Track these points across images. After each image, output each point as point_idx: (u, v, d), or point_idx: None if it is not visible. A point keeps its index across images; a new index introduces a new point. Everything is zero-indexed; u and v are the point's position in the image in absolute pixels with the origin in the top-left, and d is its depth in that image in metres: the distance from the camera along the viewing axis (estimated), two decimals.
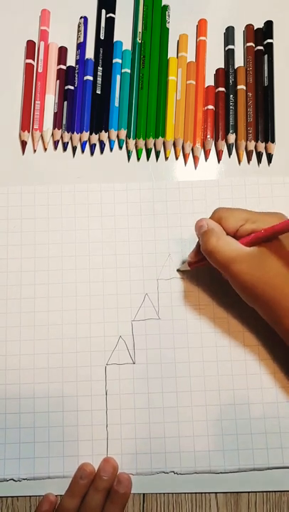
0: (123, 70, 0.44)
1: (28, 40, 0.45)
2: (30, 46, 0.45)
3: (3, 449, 0.37)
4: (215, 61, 0.45)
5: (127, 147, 0.44)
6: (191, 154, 0.43)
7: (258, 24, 0.46)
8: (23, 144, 0.43)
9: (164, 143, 0.43)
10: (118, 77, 0.44)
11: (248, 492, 0.37)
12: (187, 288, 0.40)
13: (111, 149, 0.44)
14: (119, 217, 0.41)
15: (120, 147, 0.44)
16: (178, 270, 0.40)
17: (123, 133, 0.43)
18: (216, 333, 0.39)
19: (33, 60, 0.45)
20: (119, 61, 0.45)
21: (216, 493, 0.37)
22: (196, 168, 0.43)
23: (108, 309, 0.40)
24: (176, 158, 0.44)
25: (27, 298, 0.40)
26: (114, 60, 0.45)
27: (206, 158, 0.44)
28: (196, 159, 0.43)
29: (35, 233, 0.41)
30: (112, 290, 0.40)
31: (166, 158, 0.43)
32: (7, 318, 0.39)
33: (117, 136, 0.43)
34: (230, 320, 0.40)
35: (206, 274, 0.40)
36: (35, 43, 0.45)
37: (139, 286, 0.40)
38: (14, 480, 0.37)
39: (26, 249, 0.41)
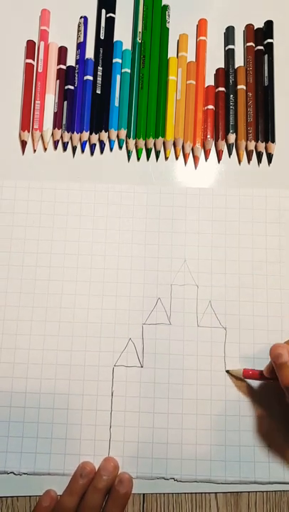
0: (123, 70, 0.44)
1: (28, 40, 0.44)
2: (30, 46, 0.44)
3: (5, 442, 0.37)
4: (215, 61, 0.45)
5: (127, 147, 0.43)
6: (191, 154, 0.43)
7: (258, 24, 0.45)
8: (23, 143, 0.43)
9: (164, 143, 0.43)
10: (118, 76, 0.44)
11: (248, 492, 0.37)
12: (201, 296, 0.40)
13: (111, 149, 0.43)
14: (137, 220, 0.41)
15: (120, 147, 0.43)
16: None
17: (123, 133, 0.43)
18: (226, 344, 0.39)
19: (33, 60, 0.44)
20: (119, 61, 0.44)
21: (216, 493, 0.37)
22: (196, 168, 0.43)
23: (120, 310, 0.39)
24: (176, 158, 0.43)
25: (40, 293, 0.40)
26: (114, 60, 0.44)
27: (206, 158, 0.43)
28: (196, 159, 0.43)
29: (53, 229, 0.41)
30: (125, 292, 0.40)
31: (166, 158, 0.43)
32: (19, 312, 0.39)
33: (117, 136, 0.43)
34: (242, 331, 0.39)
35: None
36: (35, 43, 0.45)
37: (153, 290, 0.40)
38: (14, 473, 0.37)
39: (43, 245, 0.40)
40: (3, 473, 0.37)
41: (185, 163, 0.43)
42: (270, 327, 0.39)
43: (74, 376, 0.38)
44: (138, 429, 0.37)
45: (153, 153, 0.43)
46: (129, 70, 0.44)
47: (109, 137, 0.43)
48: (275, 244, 0.41)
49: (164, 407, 0.38)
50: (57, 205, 0.41)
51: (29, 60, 0.44)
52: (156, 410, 0.38)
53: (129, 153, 0.43)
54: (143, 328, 0.39)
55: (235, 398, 0.38)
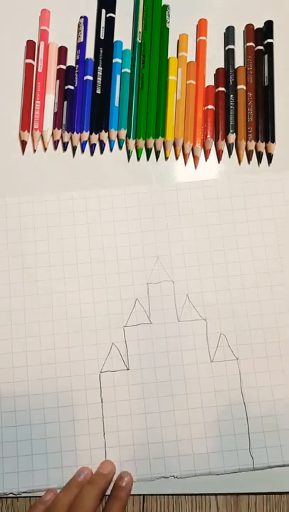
0: (123, 70, 0.44)
1: (28, 40, 0.44)
2: (30, 46, 0.44)
3: (1, 464, 0.37)
4: (215, 61, 0.45)
5: (127, 147, 0.43)
6: (191, 154, 0.43)
7: (258, 24, 0.45)
8: (23, 143, 0.43)
9: (164, 143, 0.43)
10: (118, 76, 0.44)
11: (248, 493, 0.37)
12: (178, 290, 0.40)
13: (111, 149, 0.43)
14: (104, 224, 0.41)
15: (120, 147, 0.43)
16: None
17: (123, 133, 0.43)
18: (208, 335, 0.39)
19: (33, 60, 0.44)
20: (119, 61, 0.44)
21: (216, 494, 0.37)
22: (196, 168, 0.43)
23: (99, 316, 0.39)
24: (176, 158, 0.43)
25: (25, 309, 0.39)
26: (114, 60, 0.44)
27: (206, 158, 0.43)
28: (196, 159, 0.43)
29: (35, 243, 0.40)
30: (102, 297, 0.39)
31: (166, 158, 0.43)
32: (12, 330, 0.39)
33: (117, 135, 0.43)
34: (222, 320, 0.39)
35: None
36: (35, 43, 0.44)
37: (129, 292, 0.39)
38: (14, 494, 0.36)
39: (28, 259, 0.40)
40: (1, 496, 0.36)
41: (185, 163, 0.43)
42: (249, 312, 0.39)
43: (61, 388, 0.38)
44: (132, 432, 0.37)
45: (153, 154, 0.43)
46: (129, 70, 0.44)
47: (109, 137, 0.43)
48: (244, 230, 0.41)
49: (154, 406, 0.37)
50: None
51: (29, 60, 0.44)
52: (147, 411, 0.37)
53: (129, 153, 0.43)
54: (124, 331, 0.39)
55: (224, 388, 0.38)
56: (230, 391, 0.38)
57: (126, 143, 0.43)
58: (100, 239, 0.40)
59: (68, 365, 0.38)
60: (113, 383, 0.38)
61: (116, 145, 0.43)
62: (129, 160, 0.43)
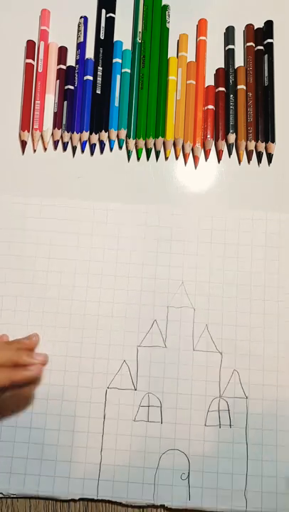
0: (123, 70, 0.43)
1: (28, 40, 0.43)
2: (31, 46, 0.43)
3: None
4: (215, 61, 0.44)
5: (127, 147, 0.43)
6: (191, 154, 0.43)
7: (258, 24, 0.44)
8: (23, 143, 0.42)
9: (164, 143, 0.42)
10: (118, 76, 0.43)
11: None
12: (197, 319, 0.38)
13: (111, 149, 0.42)
14: (135, 239, 0.40)
15: (120, 147, 0.42)
16: None
17: (123, 133, 0.42)
18: (221, 369, 0.38)
19: (33, 60, 0.43)
20: (119, 61, 0.43)
21: None
22: (196, 167, 0.42)
23: (115, 331, 0.38)
24: (176, 158, 0.43)
25: (44, 312, 0.39)
26: (114, 60, 0.43)
27: (206, 158, 0.42)
28: (196, 159, 0.42)
29: (49, 246, 0.40)
30: (121, 312, 0.38)
31: (166, 158, 0.43)
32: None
33: (117, 136, 0.42)
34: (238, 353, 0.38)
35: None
36: (35, 43, 0.44)
37: (149, 312, 0.39)
38: (3, 494, 0.36)
39: (39, 262, 0.40)
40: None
41: (185, 163, 0.42)
42: (266, 352, 0.38)
43: (66, 397, 0.37)
44: (129, 453, 0.36)
45: (153, 154, 0.43)
46: (129, 70, 0.43)
47: (109, 137, 0.42)
48: (273, 268, 0.39)
49: (156, 431, 0.36)
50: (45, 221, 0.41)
51: (29, 60, 0.43)
52: (148, 434, 0.36)
53: (129, 153, 0.42)
54: (138, 351, 0.38)
55: (228, 423, 0.37)
56: (233, 428, 0.37)
57: (126, 143, 0.43)
58: (128, 254, 0.40)
59: (77, 375, 0.38)
60: (118, 401, 0.37)
61: (116, 145, 0.43)
62: (129, 160, 0.43)
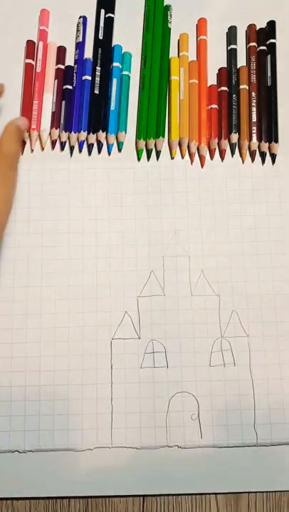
0: (123, 73, 0.43)
1: (28, 40, 0.44)
2: (30, 46, 0.44)
3: (8, 421, 0.37)
4: (217, 61, 0.44)
5: (136, 147, 0.43)
6: (196, 154, 0.43)
7: (261, 24, 0.45)
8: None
9: (169, 143, 0.42)
10: (114, 80, 0.43)
11: (248, 492, 0.37)
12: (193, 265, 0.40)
13: (109, 153, 0.42)
14: (126, 195, 0.41)
15: (120, 150, 0.43)
16: None
17: (123, 135, 0.42)
18: (220, 311, 0.39)
19: (33, 60, 0.44)
20: (119, 65, 0.43)
21: (215, 493, 0.36)
22: (202, 167, 0.42)
23: (114, 285, 0.39)
24: (182, 158, 0.42)
25: (34, 273, 0.40)
26: (113, 64, 0.43)
27: (212, 157, 0.42)
28: (202, 158, 0.42)
29: (41, 209, 0.41)
30: (118, 267, 0.39)
31: (172, 158, 0.42)
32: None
33: (117, 138, 0.42)
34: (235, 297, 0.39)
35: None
36: (35, 43, 0.44)
37: (145, 264, 0.40)
38: (19, 451, 0.36)
39: (34, 225, 0.41)
40: (7, 452, 0.36)
41: (191, 162, 0.42)
42: (262, 291, 0.39)
43: (73, 352, 0.38)
44: (139, 400, 0.37)
45: (153, 154, 0.43)
46: (129, 73, 0.44)
47: (107, 139, 0.43)
48: (262, 211, 0.41)
49: (163, 376, 0.37)
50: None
51: (29, 60, 0.43)
52: (156, 380, 0.37)
53: (139, 152, 0.43)
54: (138, 301, 0.39)
55: (231, 362, 0.38)
56: (238, 366, 0.38)
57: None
58: (120, 209, 0.41)
59: (81, 330, 0.38)
60: (124, 350, 0.38)
61: (115, 147, 0.43)
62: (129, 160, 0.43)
